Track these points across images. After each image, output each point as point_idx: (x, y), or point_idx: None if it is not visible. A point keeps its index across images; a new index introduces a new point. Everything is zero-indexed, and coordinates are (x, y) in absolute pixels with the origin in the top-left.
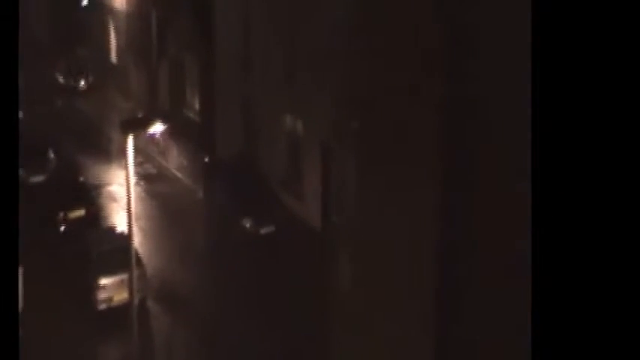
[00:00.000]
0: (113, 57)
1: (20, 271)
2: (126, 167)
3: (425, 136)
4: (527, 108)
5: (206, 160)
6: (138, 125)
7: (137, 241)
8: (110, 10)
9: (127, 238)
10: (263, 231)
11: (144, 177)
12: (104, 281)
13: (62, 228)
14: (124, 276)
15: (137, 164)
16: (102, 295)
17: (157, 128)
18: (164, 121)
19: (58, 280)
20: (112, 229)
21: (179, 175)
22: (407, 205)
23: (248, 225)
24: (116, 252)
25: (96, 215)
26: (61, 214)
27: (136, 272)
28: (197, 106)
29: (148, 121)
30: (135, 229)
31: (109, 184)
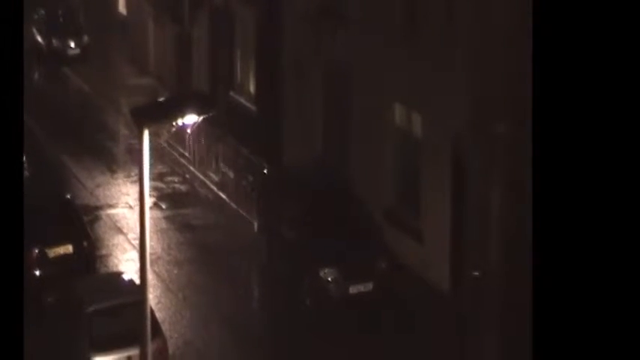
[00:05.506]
0: (121, 6)
1: None
2: (139, 180)
3: None
4: None
5: (265, 171)
6: (159, 114)
7: (154, 296)
8: None
9: (138, 290)
10: (354, 289)
11: (167, 196)
12: (100, 359)
13: (37, 272)
14: (134, 351)
15: (156, 176)
16: None
17: (190, 120)
18: (201, 108)
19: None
20: (114, 277)
21: (222, 194)
22: None
23: (331, 278)
24: (120, 312)
25: (90, 254)
26: (36, 252)
27: (151, 347)
28: (253, 86)
29: (174, 109)
30: (151, 277)
31: (111, 205)
